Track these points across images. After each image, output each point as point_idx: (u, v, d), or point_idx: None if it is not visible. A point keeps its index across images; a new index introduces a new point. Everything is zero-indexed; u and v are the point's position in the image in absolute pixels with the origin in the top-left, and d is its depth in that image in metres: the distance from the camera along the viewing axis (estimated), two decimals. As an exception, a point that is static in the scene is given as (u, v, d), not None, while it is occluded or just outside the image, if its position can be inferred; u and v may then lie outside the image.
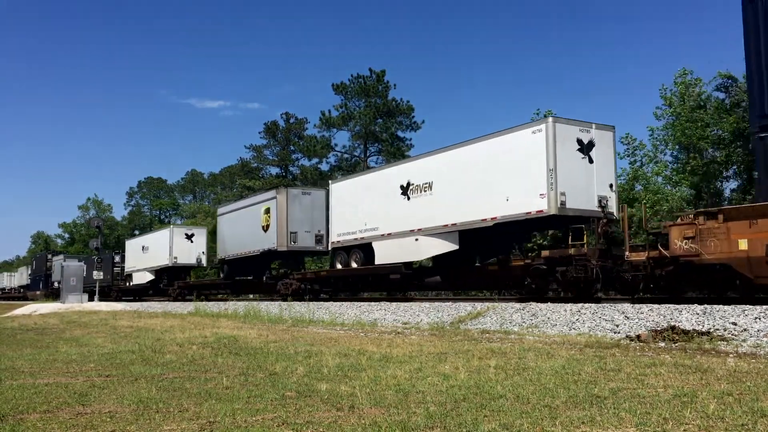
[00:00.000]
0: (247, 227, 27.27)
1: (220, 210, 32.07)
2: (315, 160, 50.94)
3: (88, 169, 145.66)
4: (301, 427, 4.42)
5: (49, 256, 61.43)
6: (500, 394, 5.29)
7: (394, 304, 17.14)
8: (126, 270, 43.29)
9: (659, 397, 5.02)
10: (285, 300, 23.67)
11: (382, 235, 19.95)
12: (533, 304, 13.34)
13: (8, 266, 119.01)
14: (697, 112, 26.03)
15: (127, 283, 42.72)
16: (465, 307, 14.31)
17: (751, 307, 10.03)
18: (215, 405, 5.16)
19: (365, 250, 20.85)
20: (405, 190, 19.15)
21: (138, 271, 40.39)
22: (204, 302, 29.06)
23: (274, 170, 55.68)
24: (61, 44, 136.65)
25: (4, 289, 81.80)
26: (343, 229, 22.02)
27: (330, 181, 24.25)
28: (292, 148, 54.20)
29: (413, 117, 47.38)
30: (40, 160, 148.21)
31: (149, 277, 38.09)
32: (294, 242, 24.61)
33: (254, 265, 27.72)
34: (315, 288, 24.45)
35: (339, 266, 22.43)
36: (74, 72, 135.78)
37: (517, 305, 13.46)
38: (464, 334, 11.07)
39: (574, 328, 10.92)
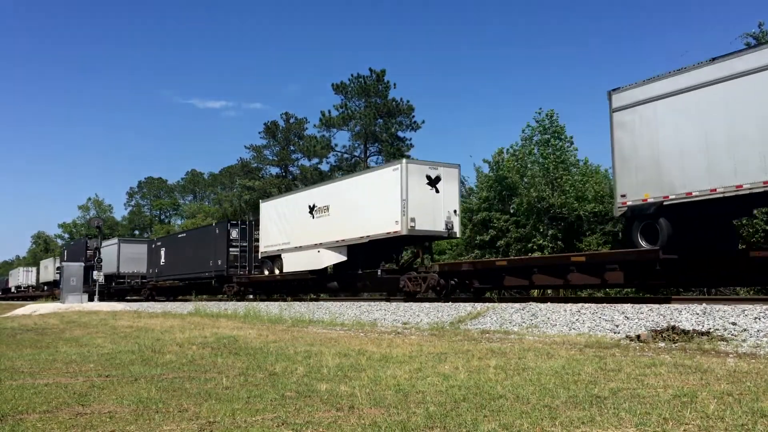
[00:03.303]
0: None
1: (630, 94, 13.91)
2: (315, 161, 51.04)
3: (89, 169, 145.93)
4: (301, 427, 4.41)
5: (89, 243, 44.84)
6: (500, 394, 5.28)
7: (394, 304, 17.14)
8: (265, 250, 25.84)
9: (659, 397, 5.01)
10: None
11: None
12: (533, 304, 13.32)
13: (8, 265, 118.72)
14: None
15: (266, 271, 26.05)
16: (465, 308, 14.31)
17: (751, 307, 10.02)
18: (215, 405, 5.15)
19: None
20: None
21: (297, 250, 23.53)
22: (205, 302, 27.28)
23: (274, 170, 55.76)
24: (63, 43, 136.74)
25: (19, 287, 69.47)
26: None
27: None
28: (292, 148, 54.26)
29: (413, 117, 47.44)
30: (40, 160, 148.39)
31: (333, 258, 21.51)
32: None
33: None
34: None
35: None
36: (76, 71, 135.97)
37: (517, 305, 13.45)
38: (464, 334, 11.06)
39: (574, 328, 10.91)
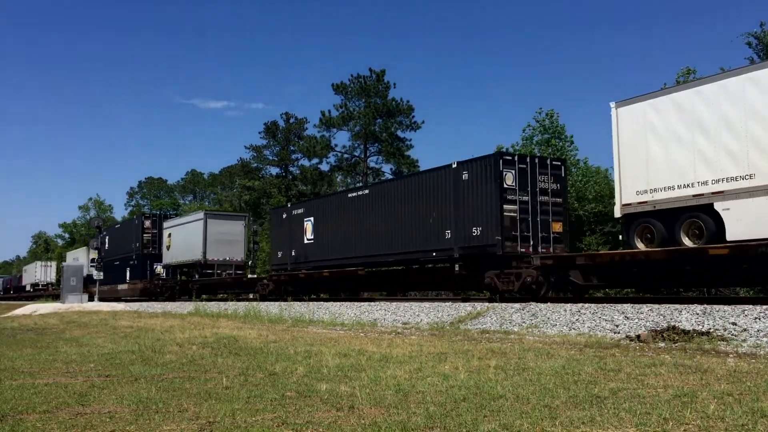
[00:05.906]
0: None
1: None
2: (315, 160, 50.99)
3: (89, 169, 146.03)
4: (301, 427, 4.41)
5: (147, 224, 34.69)
6: (500, 394, 5.28)
7: (394, 304, 17.13)
8: (643, 200, 13.34)
9: (659, 397, 5.01)
10: None
11: None
12: (533, 304, 13.33)
13: (8, 265, 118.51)
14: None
15: (639, 243, 13.52)
16: (465, 307, 14.31)
17: (751, 307, 10.02)
18: (215, 405, 5.15)
19: None
20: None
21: None
22: (204, 302, 27.38)
23: (274, 170, 55.75)
24: (64, 43, 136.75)
25: (37, 285, 59.22)
26: None
27: None
28: (292, 148, 54.24)
29: (413, 117, 47.39)
30: (41, 160, 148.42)
31: None
32: None
33: None
34: None
35: None
36: (77, 71, 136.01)
37: (517, 305, 13.45)
38: (464, 334, 11.06)
39: (574, 328, 10.91)
